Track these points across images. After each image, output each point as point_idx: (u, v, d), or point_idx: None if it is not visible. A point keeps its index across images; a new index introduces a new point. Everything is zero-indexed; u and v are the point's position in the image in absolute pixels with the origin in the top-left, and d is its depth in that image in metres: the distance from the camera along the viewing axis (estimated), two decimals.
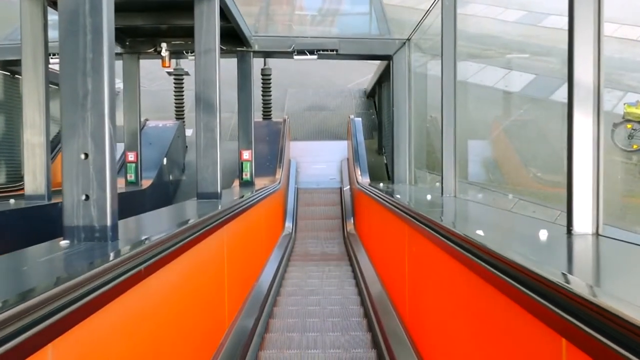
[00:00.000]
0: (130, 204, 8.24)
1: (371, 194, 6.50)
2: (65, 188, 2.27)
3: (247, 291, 4.70)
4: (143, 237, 2.38)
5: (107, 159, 2.27)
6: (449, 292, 2.62)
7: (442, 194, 4.97)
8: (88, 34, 2.27)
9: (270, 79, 12.40)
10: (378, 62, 11.77)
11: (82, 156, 2.27)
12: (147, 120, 11.67)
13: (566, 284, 1.46)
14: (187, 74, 12.96)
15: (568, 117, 2.46)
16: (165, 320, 2.38)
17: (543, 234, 2.37)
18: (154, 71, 14.22)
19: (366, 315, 5.12)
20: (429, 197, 5.05)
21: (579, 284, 1.50)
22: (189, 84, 12.81)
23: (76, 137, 2.27)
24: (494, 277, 1.94)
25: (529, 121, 10.04)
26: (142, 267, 2.04)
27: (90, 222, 2.27)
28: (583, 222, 2.42)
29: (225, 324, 3.50)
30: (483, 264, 2.04)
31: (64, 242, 2.22)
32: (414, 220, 3.23)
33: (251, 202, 5.28)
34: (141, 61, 9.17)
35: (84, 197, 2.27)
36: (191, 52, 8.09)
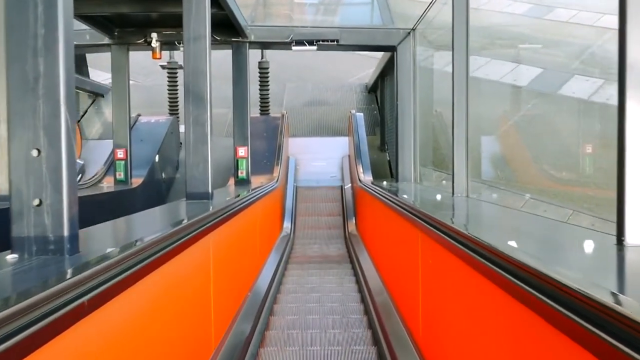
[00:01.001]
0: (120, 203, 7.90)
1: (375, 193, 6.11)
2: (14, 191, 1.89)
3: (239, 304, 4.30)
4: (109, 250, 1.98)
5: (64, 156, 1.90)
6: (479, 317, 2.22)
7: (452, 193, 4.61)
8: (39, 4, 1.90)
9: (268, 73, 12.02)
10: (379, 56, 11.39)
11: (34, 153, 1.91)
12: (139, 115, 11.24)
13: None
14: (181, 67, 12.54)
15: (619, 107, 2.05)
16: (133, 351, 1.98)
17: (589, 246, 1.99)
18: (148, 66, 13.85)
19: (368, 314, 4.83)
20: (438, 197, 4.69)
21: None
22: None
23: (25, 130, 1.89)
24: (540, 304, 1.55)
25: (537, 116, 9.69)
26: (90, 295, 1.62)
27: (44, 232, 1.90)
28: (638, 231, 2.03)
29: (212, 346, 3.09)
30: (530, 289, 1.64)
31: (11, 257, 1.85)
32: (433, 229, 2.82)
33: (245, 203, 4.90)
34: (137, 57, 8.79)
35: (36, 202, 1.91)
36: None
